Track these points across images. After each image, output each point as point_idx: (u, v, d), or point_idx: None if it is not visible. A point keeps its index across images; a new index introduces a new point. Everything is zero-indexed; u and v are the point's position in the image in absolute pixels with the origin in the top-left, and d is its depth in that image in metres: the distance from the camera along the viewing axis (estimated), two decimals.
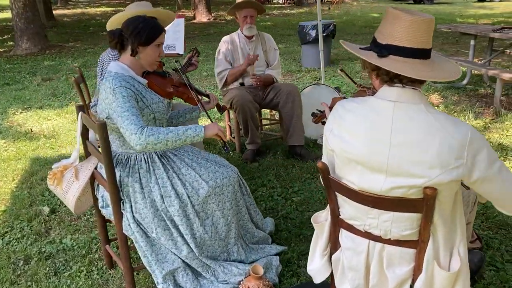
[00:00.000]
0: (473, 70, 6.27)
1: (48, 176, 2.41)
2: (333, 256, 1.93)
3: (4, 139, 4.86)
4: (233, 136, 4.50)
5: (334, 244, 1.93)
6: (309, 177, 3.70)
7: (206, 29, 14.77)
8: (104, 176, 2.28)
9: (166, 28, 4.11)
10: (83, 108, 2.40)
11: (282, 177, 3.70)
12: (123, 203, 2.26)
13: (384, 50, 1.58)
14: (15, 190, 3.65)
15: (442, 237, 1.66)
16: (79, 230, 3.04)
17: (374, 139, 1.58)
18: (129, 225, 2.23)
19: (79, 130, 2.38)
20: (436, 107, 5.31)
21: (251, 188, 3.50)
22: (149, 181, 2.27)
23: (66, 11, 23.14)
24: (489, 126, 4.70)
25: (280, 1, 28.02)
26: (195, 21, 17.18)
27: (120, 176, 2.26)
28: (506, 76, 4.87)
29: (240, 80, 4.13)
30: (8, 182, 3.81)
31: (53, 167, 2.43)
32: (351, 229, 1.82)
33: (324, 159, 1.83)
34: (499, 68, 5.81)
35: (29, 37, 10.47)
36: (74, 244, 2.87)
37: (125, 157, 2.33)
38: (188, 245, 2.28)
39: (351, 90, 6.29)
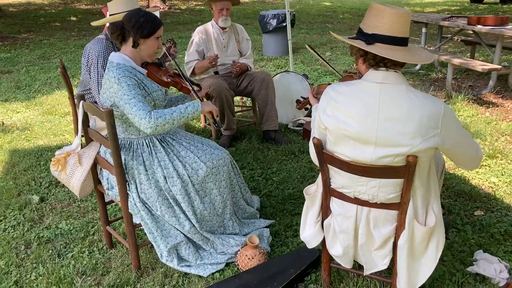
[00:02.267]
0: None
1: (51, 162, 2.54)
2: (325, 222, 2.20)
3: None
4: (208, 123, 4.69)
5: (325, 212, 2.20)
6: (285, 158, 3.97)
7: (162, 18, 14.68)
8: (109, 160, 2.45)
9: None
10: (84, 98, 2.55)
11: (260, 160, 3.95)
12: (128, 184, 2.43)
13: (370, 39, 1.86)
14: None
15: (420, 198, 1.97)
16: (72, 216, 3.17)
17: (365, 116, 1.85)
18: (135, 204, 2.42)
19: (80, 118, 2.52)
20: None
21: None
22: (152, 164, 2.46)
23: (10, 1, 22.23)
24: None
25: None
26: (149, 8, 16.99)
27: (125, 160, 2.43)
28: (456, 61, 5.31)
29: (215, 69, 4.32)
30: None
31: (56, 153, 2.56)
32: (342, 196, 2.09)
33: (318, 135, 2.08)
34: (449, 54, 6.27)
35: None
36: (71, 228, 3.01)
37: (128, 142, 2.50)
38: (190, 220, 2.49)
39: (315, 77, 6.60)
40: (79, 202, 3.35)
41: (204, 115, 4.71)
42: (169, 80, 2.66)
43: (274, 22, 7.89)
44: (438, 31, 6.78)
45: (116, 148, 2.30)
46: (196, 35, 4.34)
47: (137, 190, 2.44)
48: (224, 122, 4.24)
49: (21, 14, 16.50)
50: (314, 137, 2.04)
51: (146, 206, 2.44)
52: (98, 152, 2.56)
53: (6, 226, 3.06)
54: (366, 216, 2.05)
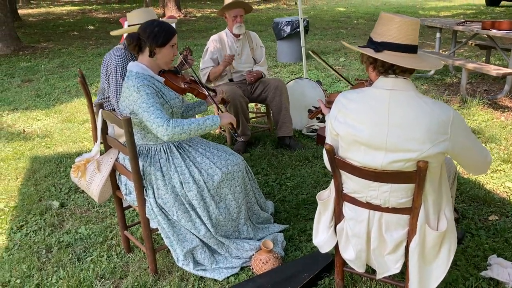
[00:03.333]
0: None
1: (71, 169, 2.63)
2: (337, 226, 2.24)
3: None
4: (223, 129, 4.76)
5: (338, 216, 2.24)
6: (299, 164, 4.01)
7: (177, 26, 14.88)
8: (127, 167, 2.53)
9: None
10: (103, 106, 2.63)
11: (274, 165, 4.00)
12: (146, 190, 2.50)
13: (379, 47, 1.91)
14: (21, 187, 3.82)
15: (431, 203, 2.00)
16: (91, 221, 3.26)
17: (375, 122, 1.89)
18: (152, 209, 2.49)
19: (99, 126, 2.61)
20: None
21: None
22: (169, 170, 2.53)
23: (30, 11, 22.71)
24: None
25: None
26: (164, 18, 17.24)
27: (142, 166, 2.51)
28: (470, 66, 5.31)
29: (229, 76, 4.40)
30: (12, 180, 3.96)
31: (76, 160, 2.65)
32: (354, 201, 2.13)
33: (330, 141, 2.13)
34: (463, 59, 6.26)
35: (1, 39, 10.39)
36: (90, 233, 3.09)
37: (146, 148, 2.58)
38: (205, 225, 2.55)
39: (328, 83, 6.63)
40: (97, 208, 3.43)
41: None
42: (186, 86, 2.74)
43: (288, 29, 7.95)
44: (453, 36, 6.77)
45: (134, 155, 2.38)
46: (211, 44, 4.42)
47: (154, 196, 2.50)
48: (239, 128, 4.31)
49: (41, 23, 16.87)
50: (326, 143, 2.09)
51: (163, 211, 2.51)
52: (117, 159, 2.64)
53: (28, 231, 3.16)
54: (378, 220, 2.08)
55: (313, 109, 2.69)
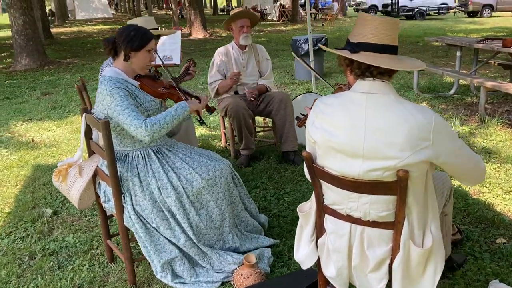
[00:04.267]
0: (460, 80, 6.50)
1: (53, 173, 2.57)
2: (319, 241, 2.09)
3: (6, 148, 5.02)
4: (228, 143, 4.67)
5: (319, 230, 2.09)
6: (301, 179, 3.87)
7: (202, 45, 15.07)
8: (106, 172, 2.46)
9: (162, 40, 4.34)
10: (87, 110, 2.58)
11: (275, 180, 3.87)
12: (123, 196, 2.42)
13: (356, 47, 1.79)
14: (18, 194, 3.81)
15: (416, 217, 1.84)
16: (81, 229, 3.19)
17: (351, 127, 1.76)
18: (130, 217, 2.39)
19: (83, 130, 2.55)
20: None
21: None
22: (146, 175, 2.44)
23: (63, 29, 23.47)
24: (474, 132, 4.89)
25: (275, 18, 28.53)
26: (191, 37, 17.50)
27: (120, 172, 2.43)
28: (489, 84, 5.09)
29: (234, 89, 4.33)
30: (11, 187, 3.96)
31: (58, 164, 2.59)
32: (334, 213, 1.98)
33: (308, 149, 2.00)
34: (483, 77, 6.03)
35: (28, 54, 10.69)
36: (77, 241, 3.02)
37: (123, 154, 2.51)
38: (185, 233, 2.44)
39: None
40: (89, 217, 3.37)
41: (225, 134, 4.72)
42: (163, 91, 2.67)
43: (305, 47, 7.89)
44: (474, 55, 6.55)
45: (112, 159, 2.31)
46: (217, 56, 4.37)
47: (132, 203, 2.42)
48: (242, 141, 4.21)
49: (71, 41, 17.37)
50: (303, 151, 1.97)
51: (140, 219, 2.41)
52: (99, 165, 2.57)
53: (16, 237, 3.11)
54: (360, 235, 1.93)
55: (301, 116, 2.58)
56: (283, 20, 27.15)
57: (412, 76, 6.78)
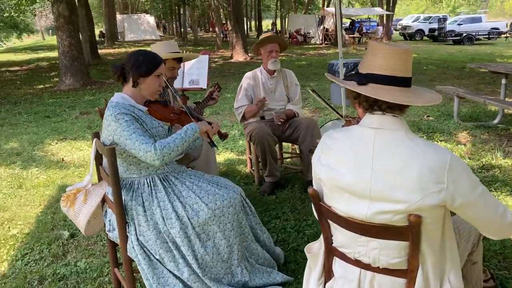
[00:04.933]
0: (505, 109, 6.15)
1: (61, 198, 2.53)
2: (327, 285, 1.93)
3: (37, 167, 5.11)
4: (253, 168, 4.56)
5: (328, 273, 1.93)
6: None
7: (242, 67, 15.15)
8: (112, 199, 2.39)
9: (190, 64, 4.31)
10: (98, 135, 2.54)
11: (297, 210, 3.71)
12: (128, 225, 2.34)
13: (363, 78, 1.65)
14: (40, 214, 3.82)
15: (431, 266, 1.65)
16: (94, 254, 3.14)
17: (358, 165, 1.61)
18: (133, 247, 2.31)
19: (93, 155, 2.51)
20: (463, 145, 5.23)
21: (265, 219, 3.53)
22: (151, 204, 2.36)
23: (111, 50, 24.32)
24: None
25: (318, 42, 28.50)
26: (232, 60, 17.68)
27: (124, 200, 2.35)
28: None
29: (261, 114, 4.23)
30: (34, 207, 3.99)
31: (67, 189, 2.55)
32: (343, 257, 1.82)
33: (315, 186, 1.86)
34: None
35: (73, 74, 11.06)
36: (87, 267, 2.96)
37: (129, 181, 2.43)
38: (190, 267, 2.33)
39: None
40: (105, 241, 3.31)
41: (251, 159, 4.61)
42: (173, 117, 2.60)
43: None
44: None
45: (116, 186, 2.24)
46: (245, 81, 4.30)
47: (135, 232, 2.33)
48: (266, 168, 4.09)
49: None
50: (309, 187, 1.82)
51: (144, 250, 2.32)
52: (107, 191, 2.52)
53: (30, 260, 3.09)
54: (370, 282, 1.76)
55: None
56: (326, 44, 27.08)
57: (453, 103, 6.47)
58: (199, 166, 3.47)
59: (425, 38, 30.62)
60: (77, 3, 17.26)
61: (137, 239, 2.32)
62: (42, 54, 25.27)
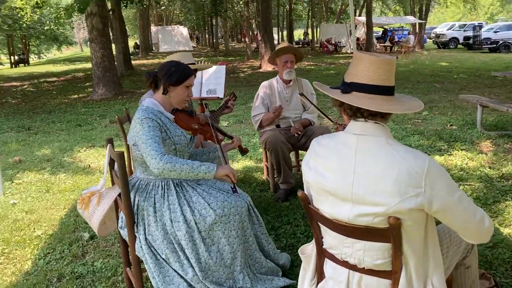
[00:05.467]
0: None
1: (77, 200, 2.70)
2: (319, 285, 2.00)
3: (65, 172, 5.36)
4: (269, 175, 4.65)
5: (320, 274, 2.01)
6: None
7: (270, 77, 15.24)
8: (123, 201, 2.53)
9: (208, 74, 4.47)
10: (112, 141, 2.71)
11: None
12: (137, 225, 2.48)
13: (347, 87, 1.73)
14: (63, 217, 4.02)
15: (414, 268, 1.71)
16: (111, 255, 3.29)
17: (341, 170, 1.70)
18: (141, 246, 2.44)
19: (107, 160, 2.67)
20: (484, 155, 5.17)
21: (276, 225, 3.61)
22: (162, 206, 2.49)
23: (144, 61, 24.94)
24: None
25: (349, 51, 28.40)
26: (261, 70, 17.86)
27: (138, 201, 2.50)
28: None
29: (276, 122, 4.33)
30: (59, 210, 4.20)
31: (82, 192, 2.72)
32: (333, 258, 1.90)
33: (305, 190, 1.95)
34: None
35: (105, 84, 11.46)
36: (103, 267, 3.12)
37: (145, 182, 2.58)
38: (193, 268, 2.44)
39: (401, 136, 6.26)
40: None
41: (267, 167, 4.70)
42: (197, 127, 2.74)
43: None
44: None
45: (125, 189, 2.38)
46: (261, 90, 4.42)
47: (144, 232, 2.47)
48: (281, 175, 4.18)
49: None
50: (299, 191, 1.91)
51: (151, 249, 2.45)
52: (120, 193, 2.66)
53: (51, 259, 3.28)
54: (358, 283, 1.83)
55: None
56: None
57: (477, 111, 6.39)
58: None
59: (459, 46, 30.05)
60: (111, 16, 17.90)
61: (145, 238, 2.46)
62: (79, 65, 26.20)
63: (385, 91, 1.69)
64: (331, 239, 1.87)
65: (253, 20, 23.60)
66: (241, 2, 26.36)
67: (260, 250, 2.76)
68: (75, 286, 2.89)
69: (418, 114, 7.82)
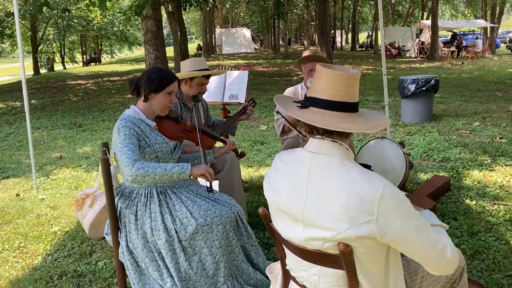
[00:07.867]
0: None
1: (73, 201, 2.75)
2: None
3: (98, 170, 5.53)
4: None
5: None
6: None
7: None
8: None
9: (232, 79, 4.43)
10: (107, 145, 2.73)
11: None
12: (120, 231, 2.48)
13: (306, 102, 1.62)
14: None
15: None
16: None
17: (295, 188, 1.60)
18: (123, 252, 2.44)
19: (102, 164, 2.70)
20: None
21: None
22: (143, 214, 2.47)
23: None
24: None
25: (413, 55, 27.42)
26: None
27: (120, 208, 2.50)
28: None
29: (299, 129, 4.23)
30: None
31: (78, 194, 2.77)
32: (295, 280, 1.79)
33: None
34: None
35: None
36: (104, 268, 3.16)
37: (129, 190, 2.57)
38: (173, 278, 2.40)
39: (414, 144, 5.92)
40: None
41: None
42: (182, 134, 2.69)
43: (412, 87, 7.41)
44: None
45: (109, 195, 2.39)
46: (286, 94, 4.33)
47: (126, 239, 2.46)
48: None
49: None
50: (260, 207, 1.82)
51: (132, 256, 2.44)
52: None
53: (59, 256, 3.37)
54: None
55: None
56: (421, 57, 25.93)
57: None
58: (222, 179, 3.56)
59: None
60: (172, 19, 18.38)
61: (127, 245, 2.45)
62: (142, 65, 27.14)
63: (343, 107, 1.57)
64: (290, 260, 1.77)
65: (313, 23, 23.35)
66: (301, 5, 26.21)
67: (249, 261, 2.68)
68: (71, 284, 2.95)
69: (469, 125, 7.37)
